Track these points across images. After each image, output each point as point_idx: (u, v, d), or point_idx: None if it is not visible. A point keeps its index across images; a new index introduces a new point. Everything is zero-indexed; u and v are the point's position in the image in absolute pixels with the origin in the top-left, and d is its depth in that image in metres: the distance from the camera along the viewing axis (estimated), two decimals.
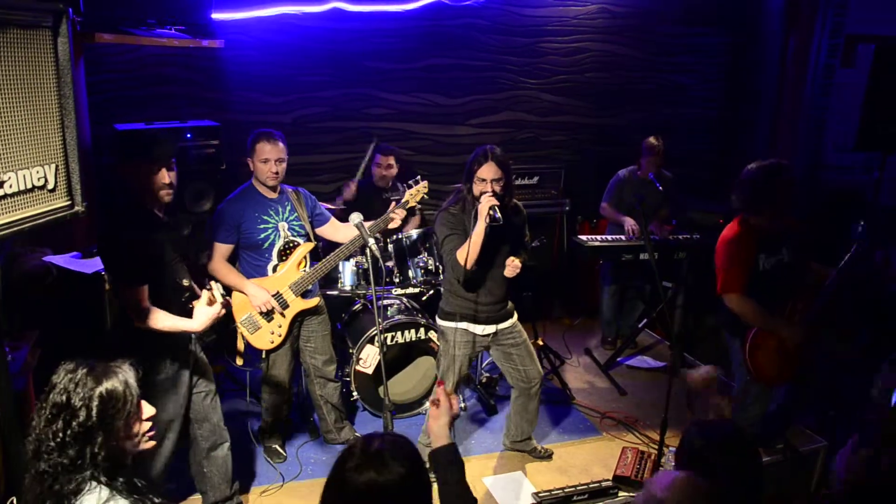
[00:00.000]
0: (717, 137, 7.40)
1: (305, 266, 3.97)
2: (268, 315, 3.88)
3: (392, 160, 5.41)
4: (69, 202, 2.26)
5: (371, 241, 3.22)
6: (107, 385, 1.87)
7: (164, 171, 3.01)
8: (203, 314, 3.00)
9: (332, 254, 3.94)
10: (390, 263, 4.78)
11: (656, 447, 4.02)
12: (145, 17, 4.33)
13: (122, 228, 2.98)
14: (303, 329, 4.08)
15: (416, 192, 4.12)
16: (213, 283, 3.02)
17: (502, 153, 3.70)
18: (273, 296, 3.86)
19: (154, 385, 3.05)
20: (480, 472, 4.15)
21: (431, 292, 5.04)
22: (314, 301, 4.03)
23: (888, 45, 4.73)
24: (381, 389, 3.93)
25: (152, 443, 2.07)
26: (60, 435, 1.80)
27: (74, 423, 1.81)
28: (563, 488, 3.79)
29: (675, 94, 7.15)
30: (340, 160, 6.10)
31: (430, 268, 5.01)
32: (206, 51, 5.13)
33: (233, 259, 3.97)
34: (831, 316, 3.86)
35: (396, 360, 4.66)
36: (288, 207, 3.95)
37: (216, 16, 4.95)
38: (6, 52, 1.97)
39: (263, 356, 4.03)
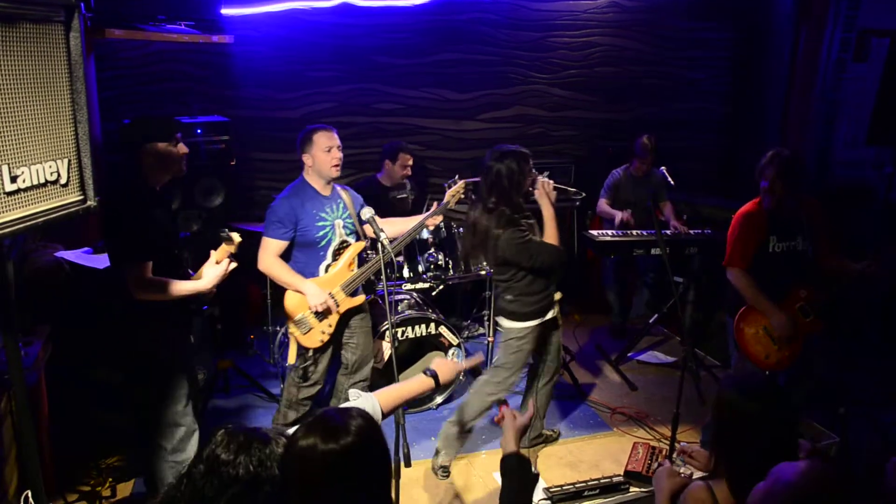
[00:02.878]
0: (727, 132, 7.36)
1: (355, 266, 3.90)
2: (320, 314, 3.76)
3: (411, 160, 5.42)
4: (82, 197, 2.25)
5: (383, 235, 3.19)
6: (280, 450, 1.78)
7: (180, 143, 3.12)
8: (211, 274, 3.06)
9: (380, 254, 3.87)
10: (400, 258, 4.78)
11: (667, 442, 4.01)
12: (155, 12, 4.35)
13: (127, 206, 3.00)
14: (346, 325, 4.03)
15: (455, 193, 4.07)
16: (229, 231, 3.09)
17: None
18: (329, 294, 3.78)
19: (164, 362, 3.13)
20: (491, 468, 4.15)
21: (441, 287, 5.04)
22: (361, 298, 3.97)
23: None
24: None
25: None
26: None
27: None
28: (574, 483, 3.78)
29: (685, 89, 7.13)
30: (350, 155, 6.06)
31: (440, 263, 5.01)
32: (215, 46, 5.14)
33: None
34: (837, 312, 3.86)
35: (407, 355, 4.66)
36: (341, 205, 3.88)
37: (225, 11, 4.96)
38: (19, 47, 1.96)
39: (309, 354, 3.89)
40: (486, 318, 5.23)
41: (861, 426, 4.26)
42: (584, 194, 4.79)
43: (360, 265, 3.92)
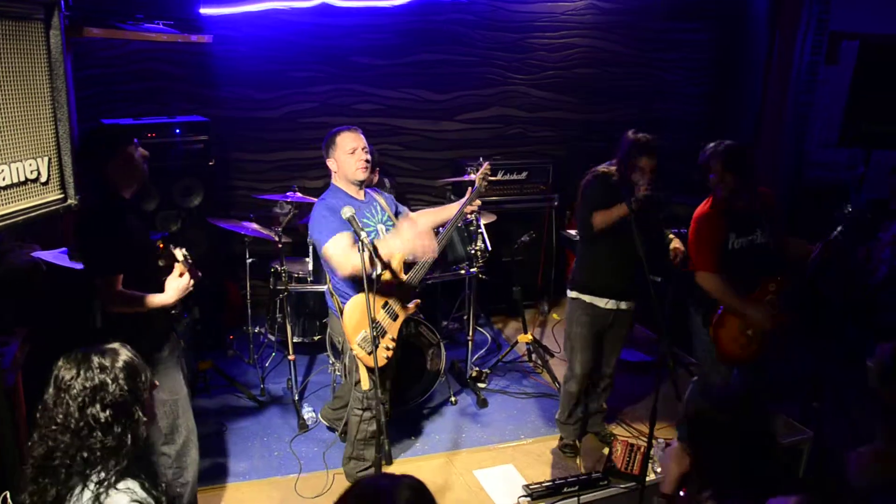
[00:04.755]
0: (703, 133, 7.43)
1: (402, 273, 3.63)
2: (381, 330, 3.52)
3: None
4: (62, 195, 2.26)
5: (363, 234, 3.10)
6: (123, 359, 1.92)
7: (139, 148, 3.11)
8: (174, 287, 3.04)
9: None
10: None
11: (645, 439, 4.06)
12: (133, 11, 4.30)
13: (100, 218, 2.98)
14: None
15: (483, 176, 3.81)
16: (176, 249, 3.04)
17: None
18: (383, 307, 3.55)
19: (154, 365, 3.05)
20: (471, 465, 4.18)
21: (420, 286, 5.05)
22: (414, 305, 3.73)
23: (872, 41, 4.79)
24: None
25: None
26: (103, 415, 1.83)
27: (110, 399, 1.85)
28: (553, 480, 3.82)
29: (662, 90, 7.20)
30: None
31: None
32: (194, 46, 5.11)
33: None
34: (808, 299, 3.89)
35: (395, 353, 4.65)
36: (378, 208, 3.67)
37: (204, 11, 4.93)
38: None
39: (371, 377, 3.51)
40: (465, 317, 5.26)
41: (838, 421, 4.32)
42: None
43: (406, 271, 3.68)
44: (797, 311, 3.98)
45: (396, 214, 3.84)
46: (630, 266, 3.85)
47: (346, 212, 3.17)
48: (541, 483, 3.78)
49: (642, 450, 4.13)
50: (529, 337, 5.48)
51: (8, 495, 2.55)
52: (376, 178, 5.52)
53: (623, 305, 4.04)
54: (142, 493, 1.88)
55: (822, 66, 6.52)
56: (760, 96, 6.84)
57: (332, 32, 5.92)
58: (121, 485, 1.86)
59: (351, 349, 3.52)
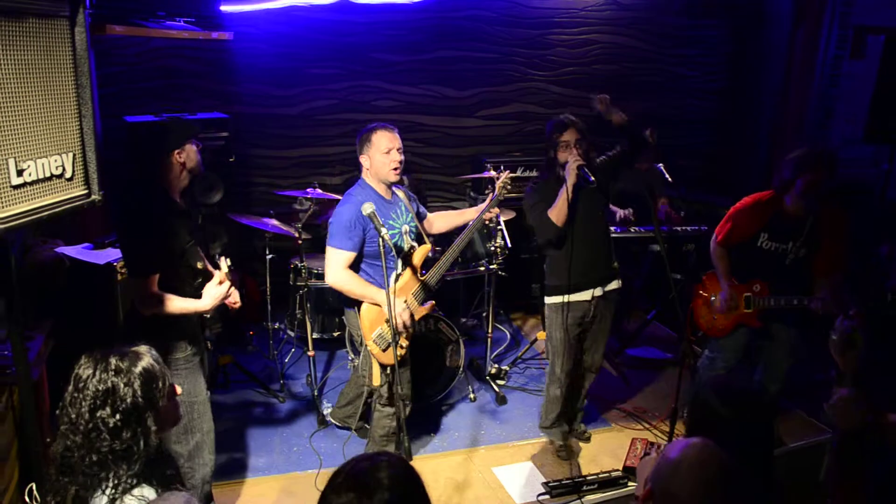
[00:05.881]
0: (722, 129, 7.38)
1: (421, 271, 3.66)
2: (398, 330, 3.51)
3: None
4: (86, 191, 2.27)
5: (384, 230, 3.13)
6: (142, 364, 1.92)
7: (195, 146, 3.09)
8: (211, 294, 3.01)
9: (449, 251, 3.70)
10: None
11: (665, 438, 4.04)
12: (155, 9, 4.34)
13: (145, 216, 2.96)
14: None
15: (504, 184, 3.86)
16: (221, 258, 3.01)
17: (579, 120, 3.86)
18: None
19: (175, 366, 3.05)
20: (490, 462, 4.17)
21: (440, 283, 5.05)
22: (430, 306, 3.73)
23: None
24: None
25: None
26: (112, 420, 1.83)
27: (123, 406, 1.84)
28: (573, 478, 3.81)
29: (681, 86, 7.15)
30: (348, 153, 6.10)
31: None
32: (214, 43, 5.15)
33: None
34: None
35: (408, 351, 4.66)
36: (403, 208, 3.66)
37: (225, 8, 4.96)
38: (24, 42, 1.98)
39: (387, 373, 3.60)
40: (484, 314, 5.25)
41: None
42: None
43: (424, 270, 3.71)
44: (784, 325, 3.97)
45: (418, 215, 3.83)
46: (604, 247, 3.94)
47: (367, 208, 3.20)
48: (560, 480, 3.77)
49: (661, 448, 4.11)
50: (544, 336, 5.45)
51: (34, 486, 2.59)
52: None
53: (608, 288, 3.99)
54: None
55: (846, 61, 6.43)
56: (781, 92, 6.76)
57: (352, 29, 5.93)
58: (136, 491, 1.86)
59: (366, 345, 3.54)
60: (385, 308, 3.29)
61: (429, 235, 3.91)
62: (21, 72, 1.97)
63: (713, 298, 4.08)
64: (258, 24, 5.63)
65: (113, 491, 1.83)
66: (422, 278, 3.64)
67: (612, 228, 5.38)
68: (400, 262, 3.56)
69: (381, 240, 3.11)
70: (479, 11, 6.27)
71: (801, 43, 6.56)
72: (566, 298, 3.87)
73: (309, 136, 6.08)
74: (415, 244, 3.68)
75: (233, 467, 4.04)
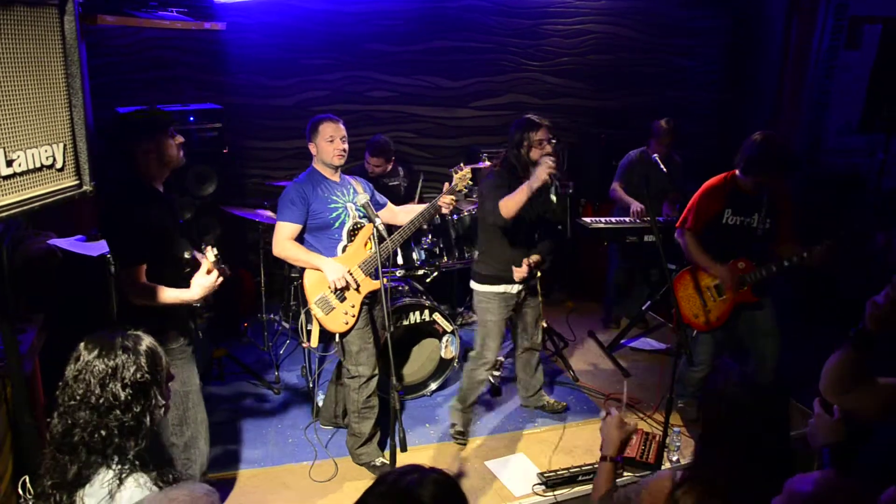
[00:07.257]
0: (718, 120, 7.38)
1: (371, 247, 3.84)
2: (341, 294, 3.75)
3: (381, 161, 5.38)
4: (77, 181, 2.25)
5: (378, 220, 3.23)
6: (146, 343, 1.96)
7: (176, 135, 3.10)
8: (200, 284, 3.01)
9: (396, 233, 3.87)
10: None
11: (661, 428, 4.03)
12: None
13: (125, 207, 2.97)
14: (375, 314, 4.00)
15: (462, 177, 4.02)
16: (208, 248, 3.01)
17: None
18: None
19: (171, 356, 3.03)
20: (484, 453, 4.17)
21: (435, 274, 5.04)
22: (379, 283, 3.83)
23: (895, 25, 4.71)
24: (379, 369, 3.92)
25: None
26: (123, 394, 1.85)
27: (131, 379, 1.87)
28: (568, 468, 3.81)
29: (676, 77, 7.13)
30: None
31: (434, 250, 5.02)
32: (207, 33, 5.11)
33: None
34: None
35: (402, 341, 4.66)
36: (351, 190, 3.92)
37: None
38: (13, 31, 1.95)
39: (337, 343, 3.88)
40: None
41: None
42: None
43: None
44: (767, 296, 4.16)
45: (373, 201, 3.98)
46: (531, 239, 4.13)
47: (361, 199, 3.52)
48: (555, 471, 3.77)
49: (657, 439, 4.11)
50: (544, 324, 5.44)
51: (27, 479, 2.57)
52: (390, 167, 5.52)
53: (532, 280, 4.21)
54: (154, 489, 1.87)
55: (842, 52, 6.43)
56: (777, 82, 6.76)
57: (345, 20, 5.90)
58: (135, 476, 1.87)
59: (309, 307, 3.77)
60: (325, 271, 3.66)
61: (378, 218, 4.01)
62: (9, 61, 1.94)
63: (691, 292, 4.21)
64: (251, 14, 5.59)
65: (120, 466, 1.85)
66: (367, 253, 3.84)
67: (605, 219, 5.41)
68: (345, 235, 3.84)
69: (375, 230, 3.30)
70: (473, 1, 6.24)
71: (796, 33, 6.55)
72: (499, 288, 4.08)
73: (303, 128, 5.99)
74: (362, 222, 3.88)
75: (228, 459, 4.04)
